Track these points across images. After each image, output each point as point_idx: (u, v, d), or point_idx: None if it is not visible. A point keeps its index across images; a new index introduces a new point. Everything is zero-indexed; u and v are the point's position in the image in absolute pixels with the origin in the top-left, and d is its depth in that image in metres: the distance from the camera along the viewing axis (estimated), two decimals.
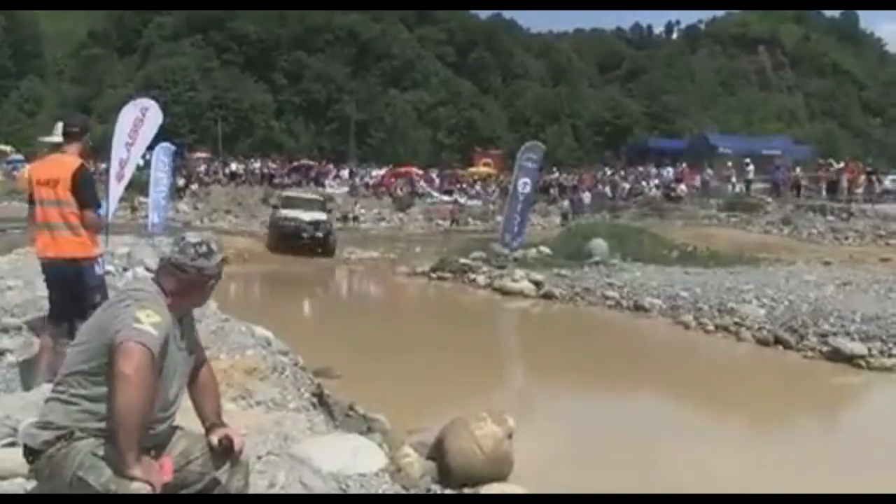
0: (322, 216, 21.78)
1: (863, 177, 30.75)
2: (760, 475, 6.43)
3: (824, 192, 29.84)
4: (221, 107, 53.82)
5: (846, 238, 23.36)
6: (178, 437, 2.91)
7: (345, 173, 41.80)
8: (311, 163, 42.57)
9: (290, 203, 22.60)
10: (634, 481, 6.15)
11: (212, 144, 47.43)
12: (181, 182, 33.13)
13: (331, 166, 43.05)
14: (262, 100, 57.32)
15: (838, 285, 14.71)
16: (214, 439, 2.90)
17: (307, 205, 22.41)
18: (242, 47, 59.81)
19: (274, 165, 40.36)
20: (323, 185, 37.97)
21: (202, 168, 38.42)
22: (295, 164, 41.38)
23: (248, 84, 57.30)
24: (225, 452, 2.90)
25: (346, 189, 37.52)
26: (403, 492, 4.87)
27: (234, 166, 39.34)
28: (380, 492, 4.57)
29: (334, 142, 56.39)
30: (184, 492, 2.85)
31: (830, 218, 25.72)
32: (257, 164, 40.19)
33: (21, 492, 3.31)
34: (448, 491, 5.55)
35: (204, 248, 2.87)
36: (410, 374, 8.89)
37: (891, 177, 35.19)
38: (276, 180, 37.44)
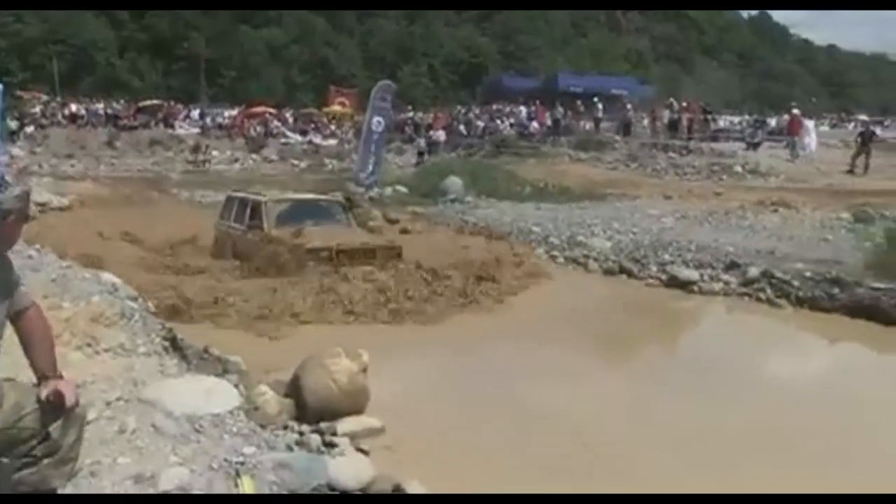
0: (360, 235, 12.03)
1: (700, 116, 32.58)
2: (609, 403, 6.88)
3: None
4: (56, 42, 50.15)
5: (686, 174, 24.68)
6: (7, 390, 2.73)
7: (195, 114, 40.26)
8: (159, 103, 40.62)
9: (289, 220, 11.52)
10: (487, 413, 6.44)
11: (48, 83, 44.31)
12: (13, 125, 30.96)
13: (180, 107, 41.32)
14: (102, 35, 53.79)
15: (677, 218, 15.67)
16: (43, 394, 2.72)
17: (321, 217, 12.05)
18: None
19: (119, 106, 38.32)
20: (173, 127, 36.49)
21: (38, 109, 35.96)
22: (142, 104, 39.37)
23: (85, 18, 53.55)
24: (54, 408, 2.72)
25: (197, 130, 36.21)
26: (259, 429, 4.91)
27: (74, 107, 37.04)
28: (234, 430, 4.60)
29: (183, 81, 53.80)
30: (18, 449, 2.72)
31: (672, 155, 27.08)
32: (100, 105, 38.03)
33: None
34: (305, 426, 5.66)
35: None
36: (265, 315, 8.84)
37: (725, 116, 37.38)
38: (122, 122, 35.65)
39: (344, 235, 11.36)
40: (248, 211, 11.92)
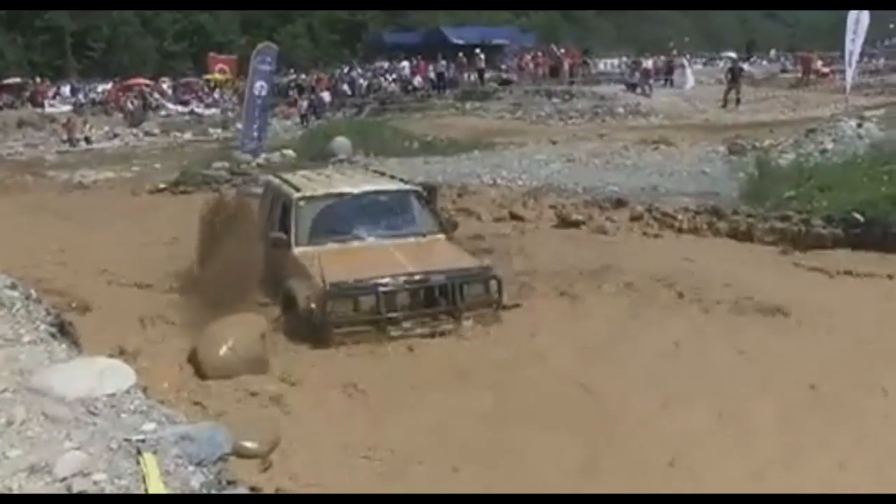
0: (457, 261, 7.47)
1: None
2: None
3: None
4: None
5: (570, 118, 25.24)
6: None
7: (66, 90, 38.32)
8: (23, 81, 38.39)
9: (333, 229, 7.84)
10: None
11: None
12: None
13: (48, 83, 39.22)
14: None
15: (564, 162, 16.05)
16: None
17: (386, 220, 8.09)
18: None
19: None
20: (42, 106, 34.66)
21: None
22: (4, 82, 37.14)
23: None
24: None
25: (69, 107, 34.52)
26: (158, 405, 4.83)
27: None
28: (131, 408, 4.50)
29: (49, 56, 50.90)
30: None
31: (555, 100, 27.59)
32: None
33: None
34: None
35: None
36: (166, 289, 8.63)
37: (604, 59, 38.21)
38: None
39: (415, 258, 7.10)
40: (279, 212, 8.11)
